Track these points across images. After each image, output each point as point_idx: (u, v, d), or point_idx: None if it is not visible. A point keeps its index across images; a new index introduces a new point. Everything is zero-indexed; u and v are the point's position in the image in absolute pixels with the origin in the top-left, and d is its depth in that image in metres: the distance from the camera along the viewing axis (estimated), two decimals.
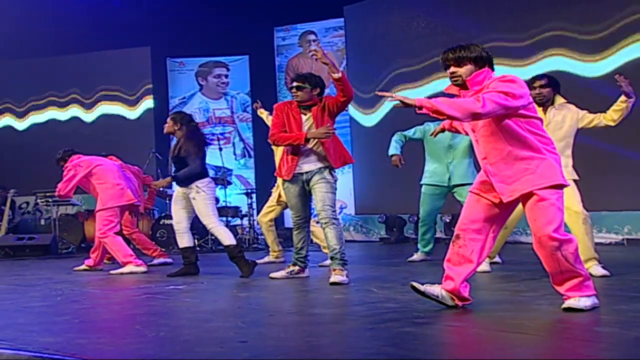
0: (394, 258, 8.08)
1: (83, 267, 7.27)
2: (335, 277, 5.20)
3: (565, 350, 2.78)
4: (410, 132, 6.95)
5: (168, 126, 6.41)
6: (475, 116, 3.37)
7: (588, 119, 5.33)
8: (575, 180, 5.25)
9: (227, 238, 6.12)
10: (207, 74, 13.37)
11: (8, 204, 10.97)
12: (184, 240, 6.31)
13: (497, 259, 6.15)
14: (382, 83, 11.24)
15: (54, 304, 4.65)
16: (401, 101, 3.38)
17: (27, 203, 12.09)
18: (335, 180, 5.50)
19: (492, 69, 3.68)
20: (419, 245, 7.02)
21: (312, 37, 12.79)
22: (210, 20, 12.23)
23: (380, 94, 3.50)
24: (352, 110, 11.82)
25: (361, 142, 11.60)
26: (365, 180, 11.50)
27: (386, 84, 11.17)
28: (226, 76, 13.38)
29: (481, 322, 3.48)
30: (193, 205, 6.21)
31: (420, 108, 3.33)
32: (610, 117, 5.26)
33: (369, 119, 11.48)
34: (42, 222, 11.47)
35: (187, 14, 12.35)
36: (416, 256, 6.97)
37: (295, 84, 5.50)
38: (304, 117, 5.49)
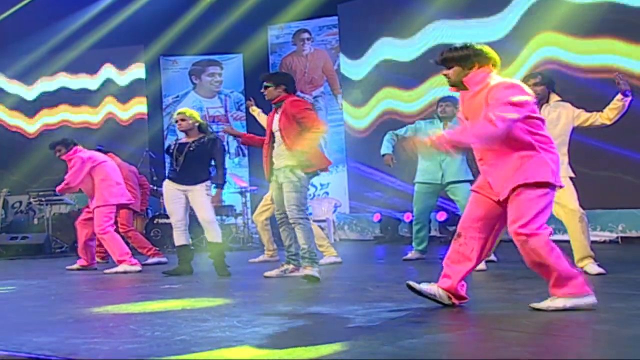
0: (388, 257, 8.09)
1: (76, 266, 7.24)
2: (305, 271, 5.32)
3: (561, 348, 2.77)
4: (401, 131, 6.95)
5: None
6: (495, 139, 3.42)
7: (584, 117, 5.33)
8: (571, 178, 5.25)
9: (218, 236, 6.13)
10: (200, 72, 13.34)
11: (0, 203, 10.92)
12: (183, 238, 6.28)
13: (492, 257, 6.15)
14: (375, 81, 11.25)
15: (48, 303, 4.63)
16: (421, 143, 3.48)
17: (20, 202, 12.03)
18: (300, 179, 5.40)
19: (494, 66, 3.66)
20: (414, 244, 7.01)
21: (306, 35, 12.78)
22: (204, 19, 12.19)
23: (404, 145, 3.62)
24: (346, 106, 11.85)
25: (355, 140, 11.61)
26: (359, 178, 11.50)
27: (379, 83, 11.18)
28: (220, 75, 13.35)
29: (477, 320, 3.47)
30: (193, 200, 6.16)
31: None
32: (607, 115, 5.25)
33: (361, 121, 11.53)
34: (35, 221, 11.42)
35: (180, 12, 12.32)
36: (411, 255, 6.97)
37: (264, 83, 5.65)
38: (276, 116, 5.61)
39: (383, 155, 6.84)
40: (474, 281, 5.05)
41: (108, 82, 13.21)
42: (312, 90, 12.70)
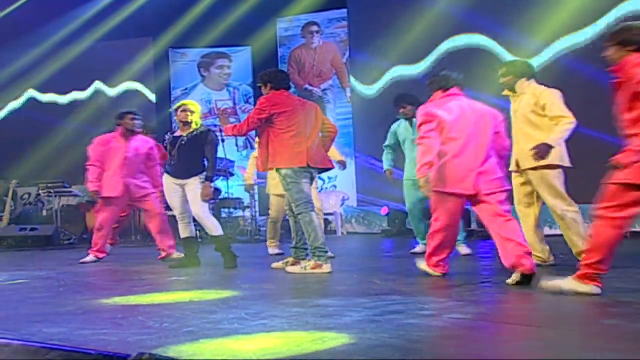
0: (396, 250, 8.09)
1: (90, 257, 7.20)
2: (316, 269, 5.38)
3: (569, 342, 2.77)
4: (387, 141, 7.20)
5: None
6: (430, 151, 4.51)
7: (550, 112, 5.04)
8: (563, 167, 5.17)
9: (216, 228, 6.12)
10: (209, 65, 13.34)
11: (10, 194, 10.97)
12: (187, 230, 6.30)
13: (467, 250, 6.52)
14: (384, 74, 11.22)
15: (57, 294, 4.65)
16: None
17: (29, 194, 12.08)
18: (283, 177, 5.45)
19: (446, 89, 4.76)
20: (418, 238, 7.03)
21: (315, 27, 12.75)
22: (213, 11, 12.19)
23: None
24: (355, 99, 11.82)
25: (363, 134, 11.59)
26: (366, 172, 11.49)
27: (389, 75, 11.14)
28: (228, 67, 13.34)
29: (485, 314, 3.47)
30: (187, 194, 6.17)
31: None
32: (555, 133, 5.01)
33: (370, 106, 11.50)
34: (44, 212, 11.48)
35: (189, 5, 12.31)
36: (418, 248, 6.96)
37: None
38: None
39: (385, 171, 7.15)
40: (481, 276, 5.05)
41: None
42: (321, 83, 12.68)
